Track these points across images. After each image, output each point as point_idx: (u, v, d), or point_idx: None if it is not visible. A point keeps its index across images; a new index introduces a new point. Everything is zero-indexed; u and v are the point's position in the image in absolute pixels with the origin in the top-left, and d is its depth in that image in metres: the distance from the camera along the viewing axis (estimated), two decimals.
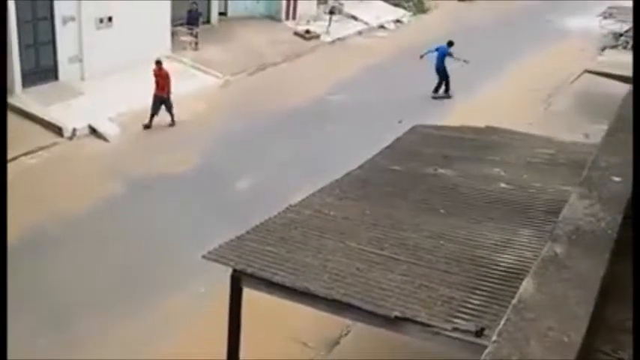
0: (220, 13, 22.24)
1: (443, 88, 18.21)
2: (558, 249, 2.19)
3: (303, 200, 6.50)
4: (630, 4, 25.98)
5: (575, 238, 2.28)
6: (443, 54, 17.90)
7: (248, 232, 5.69)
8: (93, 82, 15.50)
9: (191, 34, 19.32)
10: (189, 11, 19.48)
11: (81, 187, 11.88)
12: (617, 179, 2.81)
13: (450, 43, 18.15)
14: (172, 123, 14.61)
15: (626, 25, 25.41)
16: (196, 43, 19.25)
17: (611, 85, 14.67)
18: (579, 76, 18.00)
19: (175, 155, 13.25)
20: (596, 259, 2.20)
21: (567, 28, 25.43)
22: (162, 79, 14.36)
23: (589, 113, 14.78)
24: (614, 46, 23.42)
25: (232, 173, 12.70)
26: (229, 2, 22.68)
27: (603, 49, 22.94)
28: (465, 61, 17.63)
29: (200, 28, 19.71)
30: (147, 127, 14.34)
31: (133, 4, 16.47)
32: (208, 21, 21.47)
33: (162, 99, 14.41)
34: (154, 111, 14.37)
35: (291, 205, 6.35)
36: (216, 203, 11.58)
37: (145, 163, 12.88)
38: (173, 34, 18.72)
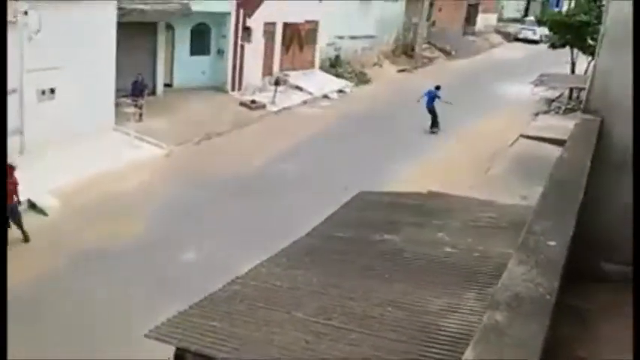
0: (166, 85, 22.42)
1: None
2: (499, 317, 2.20)
3: (249, 271, 6.37)
4: (560, 71, 27.67)
5: (515, 304, 2.30)
6: (432, 96, 21.48)
7: (191, 307, 5.51)
8: (33, 156, 15.12)
9: (135, 105, 19.32)
10: (134, 82, 19.53)
11: (20, 263, 11.37)
12: (552, 243, 2.88)
13: (438, 87, 21.82)
14: (26, 238, 12.13)
15: (557, 92, 26.92)
16: (140, 115, 19.22)
17: (545, 149, 15.33)
18: (515, 140, 18.79)
19: (118, 227, 12.93)
20: (536, 324, 2.22)
21: (502, 95, 26.70)
22: (12, 185, 11.94)
23: (526, 176, 15.33)
24: (546, 112, 24.67)
25: (176, 245, 12.45)
26: (175, 73, 22.93)
27: (537, 114, 24.12)
28: (449, 102, 21.10)
29: (145, 100, 19.74)
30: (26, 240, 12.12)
31: (76, 75, 16.42)
32: (154, 92, 21.57)
33: (12, 207, 12.00)
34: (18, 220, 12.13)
35: (236, 277, 6.21)
36: (160, 276, 11.27)
37: (86, 236, 12.50)
38: (117, 105, 18.67)
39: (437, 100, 21.56)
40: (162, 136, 17.94)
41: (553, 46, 29.10)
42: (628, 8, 4.65)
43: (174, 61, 22.86)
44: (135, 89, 19.51)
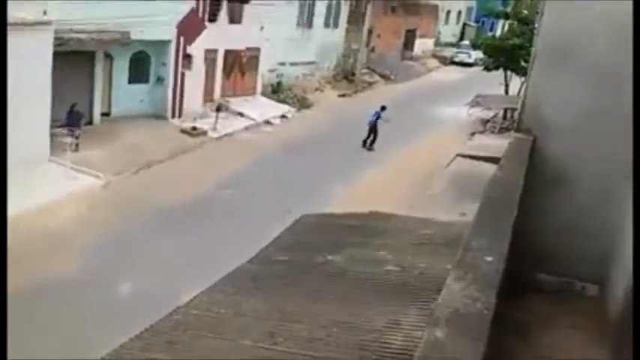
0: (103, 114, 21.95)
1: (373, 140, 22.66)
2: (438, 333, 2.22)
3: (191, 300, 6.21)
4: (494, 92, 28.66)
5: (454, 321, 2.32)
6: (377, 116, 22.66)
7: (132, 340, 5.33)
8: None
9: (72, 135, 18.80)
10: (69, 112, 19.04)
11: None
12: (489, 259, 2.93)
13: (383, 108, 23.07)
14: None
15: (492, 112, 27.83)
16: (77, 145, 18.72)
17: (482, 167, 15.75)
18: (452, 159, 19.25)
19: (53, 262, 12.45)
20: (475, 340, 2.24)
21: (439, 117, 27.37)
22: None
23: (464, 193, 15.68)
24: (482, 132, 25.44)
25: (116, 277, 12.10)
26: (113, 102, 22.49)
27: (473, 134, 24.83)
28: (386, 121, 22.52)
29: (82, 129, 19.26)
30: None
31: (10, 105, 15.83)
32: (91, 122, 21.07)
33: None
34: None
35: (178, 307, 6.05)
36: (100, 309, 10.90)
37: (19, 272, 11.95)
38: (53, 135, 18.11)
39: (379, 119, 22.64)
40: (100, 166, 17.49)
41: (487, 68, 30.15)
42: (558, 31, 4.85)
43: (112, 89, 22.43)
44: (70, 119, 19.03)
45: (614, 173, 4.64)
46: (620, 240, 4.45)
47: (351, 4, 35.87)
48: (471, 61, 45.53)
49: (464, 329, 2.29)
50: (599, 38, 4.63)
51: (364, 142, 22.56)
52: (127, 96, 22.70)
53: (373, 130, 22.64)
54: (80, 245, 13.29)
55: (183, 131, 22.28)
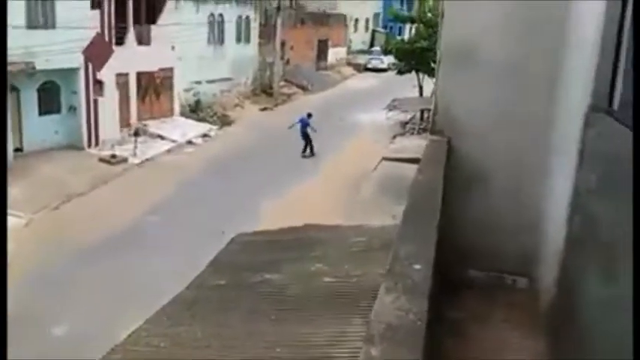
0: (16, 149, 21.02)
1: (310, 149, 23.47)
2: (374, 351, 2.24)
3: (128, 337, 6.04)
4: (410, 95, 29.41)
5: (388, 336, 2.35)
6: (305, 124, 23.30)
7: None
8: None
9: None
10: None
11: None
12: (417, 267, 2.99)
13: (309, 115, 23.74)
14: None
15: (409, 115, 28.57)
16: None
17: (406, 168, 16.14)
18: (378, 164, 19.61)
19: None
20: (410, 353, 2.28)
21: (359, 122, 27.84)
22: None
23: (392, 196, 16.02)
24: (402, 134, 26.07)
25: (48, 318, 11.60)
26: (24, 136, 21.57)
27: (394, 137, 25.39)
28: (314, 130, 23.27)
29: None
30: None
31: None
32: None
33: None
34: None
35: (115, 346, 5.88)
36: (34, 355, 10.40)
37: None
38: None
39: (308, 126, 23.37)
40: (18, 204, 16.71)
41: (400, 72, 30.88)
42: (458, 32, 4.94)
43: (22, 123, 21.52)
44: None
45: (529, 171, 4.79)
46: (541, 234, 4.64)
47: (260, 19, 35.98)
48: (384, 66, 46.51)
49: (398, 343, 2.32)
50: (500, 37, 4.69)
51: (311, 150, 23.34)
52: (40, 128, 21.84)
53: (306, 137, 23.31)
54: (9, 287, 12.63)
55: (101, 160, 21.64)
